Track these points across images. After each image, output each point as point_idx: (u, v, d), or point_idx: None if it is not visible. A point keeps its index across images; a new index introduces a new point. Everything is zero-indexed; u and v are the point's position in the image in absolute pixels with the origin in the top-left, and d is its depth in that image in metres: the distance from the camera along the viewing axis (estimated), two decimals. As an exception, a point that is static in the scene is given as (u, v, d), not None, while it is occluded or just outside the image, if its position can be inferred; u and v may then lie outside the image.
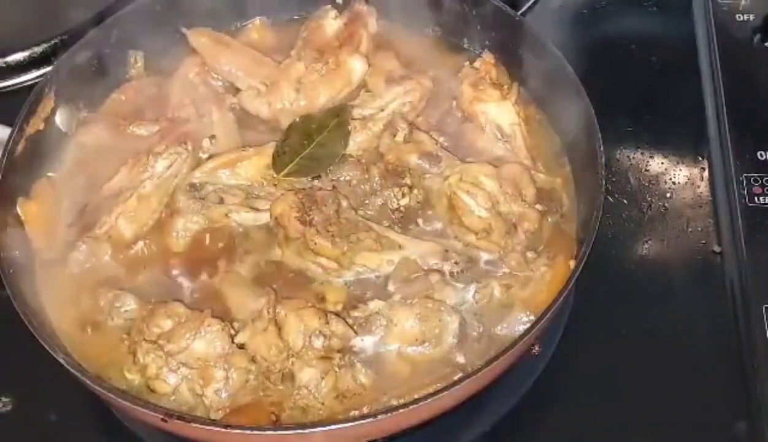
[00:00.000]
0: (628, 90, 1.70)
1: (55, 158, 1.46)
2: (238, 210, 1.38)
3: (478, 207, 1.36)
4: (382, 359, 1.26)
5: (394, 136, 1.44)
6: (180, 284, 1.33)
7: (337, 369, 1.22)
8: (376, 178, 1.40)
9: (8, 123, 1.41)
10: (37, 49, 1.73)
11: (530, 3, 1.60)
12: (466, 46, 1.61)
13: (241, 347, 1.23)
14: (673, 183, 1.59)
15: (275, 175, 1.41)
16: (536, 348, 1.36)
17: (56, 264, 1.34)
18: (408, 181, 1.39)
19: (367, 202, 1.39)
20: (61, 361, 1.16)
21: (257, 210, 1.38)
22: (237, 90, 1.55)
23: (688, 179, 1.60)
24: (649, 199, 1.57)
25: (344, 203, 1.37)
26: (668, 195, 1.58)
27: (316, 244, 1.32)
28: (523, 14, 1.57)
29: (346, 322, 1.25)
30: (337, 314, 1.26)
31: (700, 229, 1.53)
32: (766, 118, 1.63)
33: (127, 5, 1.56)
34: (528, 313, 1.27)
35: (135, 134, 1.49)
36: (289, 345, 1.22)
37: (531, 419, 1.34)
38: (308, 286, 1.31)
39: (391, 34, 1.63)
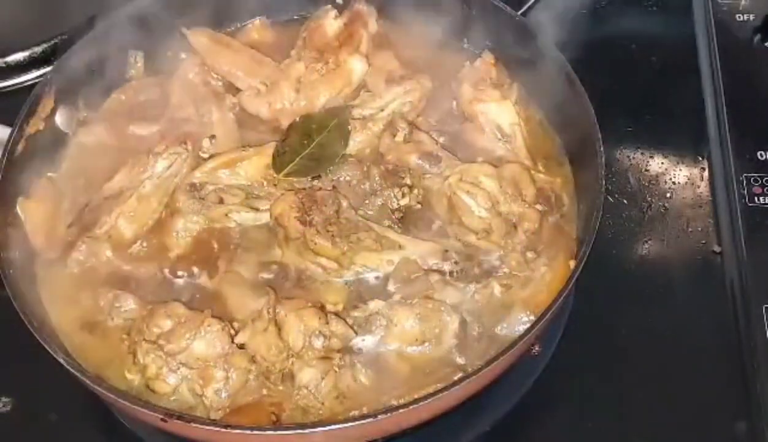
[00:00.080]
0: (628, 90, 1.70)
1: (55, 158, 1.47)
2: (238, 210, 1.38)
3: (478, 207, 1.36)
4: (382, 359, 1.26)
5: (394, 136, 1.44)
6: (180, 284, 1.33)
7: (337, 369, 1.22)
8: (376, 178, 1.40)
9: (8, 123, 1.41)
10: (37, 49, 1.74)
11: (530, 3, 1.60)
12: (466, 46, 1.61)
13: (241, 347, 1.23)
14: (673, 183, 1.59)
15: (275, 175, 1.41)
16: (536, 348, 1.36)
17: (56, 264, 1.34)
18: (408, 181, 1.39)
19: (367, 202, 1.39)
20: (62, 361, 1.16)
21: (257, 210, 1.38)
22: (237, 90, 1.55)
23: (688, 179, 1.60)
24: (649, 199, 1.57)
25: (344, 203, 1.37)
26: (668, 195, 1.58)
27: (316, 244, 1.32)
28: (523, 14, 1.57)
29: (346, 322, 1.25)
30: (337, 314, 1.26)
31: (700, 229, 1.53)
32: (766, 118, 1.63)
33: (128, 5, 1.55)
34: (528, 313, 1.27)
35: (135, 134, 1.49)
36: (289, 345, 1.22)
37: (531, 419, 1.34)
38: (308, 286, 1.31)
39: (391, 34, 1.63)
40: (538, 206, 1.37)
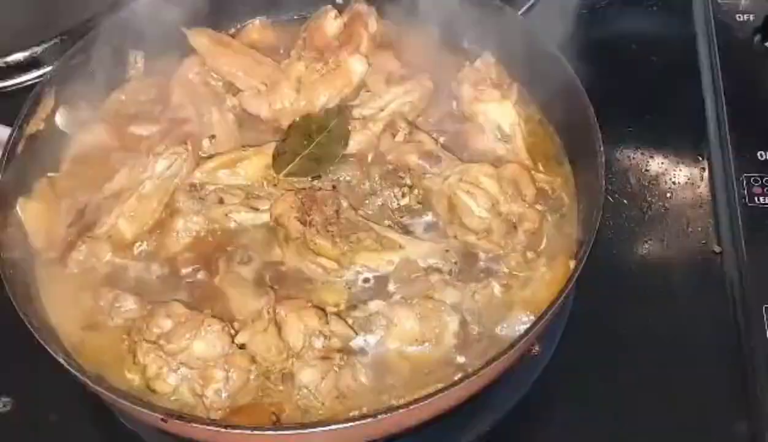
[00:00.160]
0: (628, 90, 1.70)
1: (56, 158, 1.46)
2: (238, 210, 1.38)
3: (478, 207, 1.36)
4: (383, 359, 1.25)
5: (395, 136, 1.44)
6: (180, 284, 1.33)
7: (337, 369, 1.22)
8: (376, 179, 1.40)
9: (8, 123, 1.41)
10: (38, 50, 1.74)
11: (530, 3, 1.60)
12: (466, 46, 1.61)
13: (242, 347, 1.23)
14: (674, 183, 1.59)
15: (275, 175, 1.41)
16: (536, 348, 1.36)
17: (56, 264, 1.34)
18: (408, 181, 1.39)
19: (367, 202, 1.39)
20: (62, 361, 1.16)
21: (257, 210, 1.38)
22: (237, 90, 1.55)
23: (689, 179, 1.60)
24: (649, 199, 1.57)
25: (344, 203, 1.37)
26: (668, 195, 1.58)
27: (316, 244, 1.32)
28: (523, 14, 1.57)
29: (346, 322, 1.25)
30: (337, 314, 1.26)
31: (700, 229, 1.53)
32: (767, 118, 1.63)
33: (128, 5, 1.55)
34: (528, 313, 1.27)
35: (135, 134, 1.49)
36: (289, 345, 1.22)
37: (531, 419, 1.34)
38: (308, 286, 1.31)
39: (391, 35, 1.63)
40: (538, 206, 1.37)
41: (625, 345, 1.40)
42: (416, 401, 1.12)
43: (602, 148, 1.32)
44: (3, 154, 1.36)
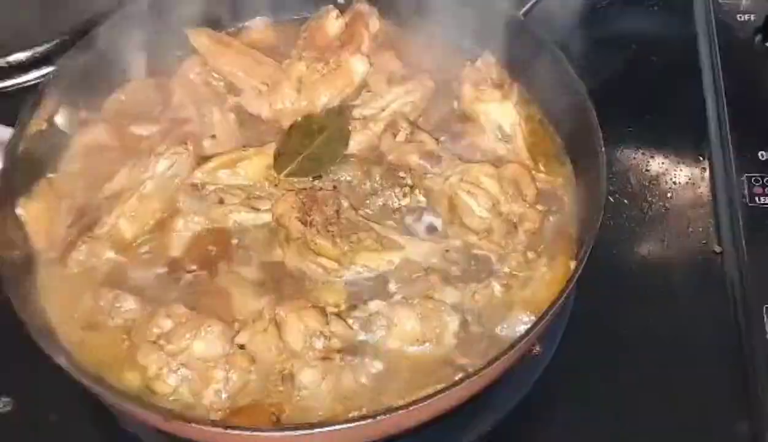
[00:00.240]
0: (628, 90, 1.70)
1: (56, 159, 1.46)
2: (238, 210, 1.38)
3: (479, 207, 1.36)
4: (383, 359, 1.25)
5: (396, 136, 1.44)
6: (180, 284, 1.33)
7: (337, 368, 1.22)
8: (377, 179, 1.40)
9: (9, 123, 1.41)
10: (39, 50, 1.73)
11: (531, 3, 1.60)
12: (467, 45, 1.61)
13: (242, 347, 1.23)
14: (674, 183, 1.59)
15: (276, 176, 1.41)
16: (537, 348, 1.36)
17: (56, 264, 1.34)
18: (409, 181, 1.39)
19: (367, 202, 1.39)
20: (61, 363, 1.16)
21: (258, 210, 1.38)
22: (238, 90, 1.55)
23: (689, 179, 1.60)
24: (650, 199, 1.57)
25: (345, 203, 1.37)
26: (669, 195, 1.58)
27: (316, 244, 1.32)
28: (524, 14, 1.57)
29: (347, 322, 1.25)
30: (337, 315, 1.26)
31: (700, 229, 1.53)
32: (767, 119, 1.63)
33: (128, 6, 1.55)
34: (529, 313, 1.27)
35: (135, 134, 1.49)
36: (289, 346, 1.22)
37: (532, 419, 1.34)
38: (309, 286, 1.31)
39: (392, 34, 1.63)
40: (539, 206, 1.38)
41: (626, 345, 1.40)
42: (416, 401, 1.12)
43: (603, 148, 1.32)
44: (4, 155, 1.35)
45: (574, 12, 1.74)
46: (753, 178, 1.54)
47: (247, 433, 1.11)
